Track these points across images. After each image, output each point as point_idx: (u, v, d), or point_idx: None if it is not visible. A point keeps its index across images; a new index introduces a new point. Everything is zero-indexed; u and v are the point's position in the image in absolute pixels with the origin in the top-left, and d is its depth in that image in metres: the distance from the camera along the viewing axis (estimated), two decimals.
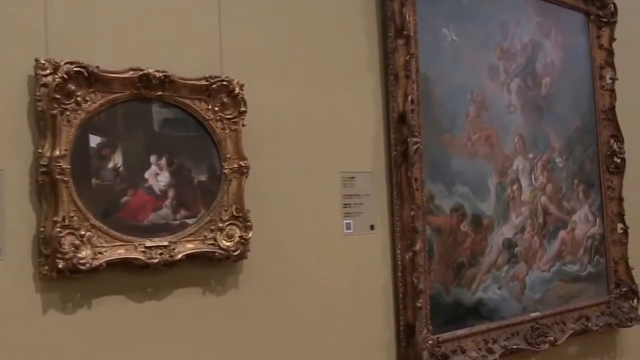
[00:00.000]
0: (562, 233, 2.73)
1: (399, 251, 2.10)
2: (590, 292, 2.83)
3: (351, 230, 2.02)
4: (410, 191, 2.09)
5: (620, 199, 2.98)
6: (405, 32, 2.11)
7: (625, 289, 2.95)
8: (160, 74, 1.60)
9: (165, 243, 1.60)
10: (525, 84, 2.64)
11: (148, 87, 1.59)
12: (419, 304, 2.07)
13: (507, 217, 2.48)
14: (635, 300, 2.95)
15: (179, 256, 1.61)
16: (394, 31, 2.12)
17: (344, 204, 2.01)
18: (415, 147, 2.10)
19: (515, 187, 2.53)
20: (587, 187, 2.88)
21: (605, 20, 3.01)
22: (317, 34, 2.00)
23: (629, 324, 2.88)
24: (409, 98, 2.11)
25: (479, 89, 2.42)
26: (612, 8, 3.01)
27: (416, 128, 2.13)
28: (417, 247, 2.09)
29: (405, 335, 2.08)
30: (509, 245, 2.48)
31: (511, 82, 2.57)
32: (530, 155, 2.62)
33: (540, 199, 2.64)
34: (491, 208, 2.42)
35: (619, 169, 3.00)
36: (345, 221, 2.01)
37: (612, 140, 3.00)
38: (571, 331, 2.61)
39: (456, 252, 2.27)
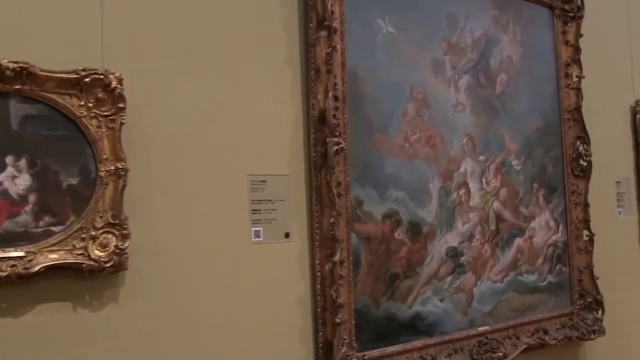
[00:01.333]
0: (518, 241, 2.42)
1: (317, 261, 1.83)
2: (550, 303, 2.52)
3: (261, 239, 1.76)
4: (330, 196, 1.82)
5: (586, 205, 2.66)
6: (326, 22, 1.84)
7: (589, 300, 2.63)
8: (16, 65, 1.36)
9: (21, 254, 1.36)
10: (477, 81, 2.34)
11: (2, 80, 1.35)
12: (338, 320, 1.80)
13: (453, 224, 2.19)
14: (600, 312, 2.63)
15: (37, 268, 1.37)
16: (315, 22, 1.86)
17: (253, 210, 1.75)
18: (336, 148, 1.83)
19: (462, 191, 2.24)
20: (548, 191, 2.57)
21: (572, 14, 2.69)
22: (225, 24, 1.75)
23: (592, 336, 2.56)
24: (330, 95, 1.84)
25: (420, 85, 2.13)
26: (579, 2, 2.70)
27: (339, 127, 1.87)
28: (337, 257, 1.82)
29: (324, 353, 1.82)
30: (454, 254, 2.19)
31: (460, 79, 2.28)
32: (482, 158, 2.32)
33: (492, 204, 2.34)
34: (432, 214, 2.13)
35: (585, 173, 2.68)
36: (253, 229, 1.75)
37: (577, 142, 2.68)
38: (525, 346, 2.31)
39: (389, 263, 1.99)
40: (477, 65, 2.35)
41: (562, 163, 2.64)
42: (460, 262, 2.21)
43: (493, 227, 2.34)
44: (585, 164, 2.69)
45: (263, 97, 1.80)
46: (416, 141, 2.11)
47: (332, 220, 1.82)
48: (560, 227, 2.61)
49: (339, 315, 1.80)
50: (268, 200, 1.78)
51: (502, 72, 2.44)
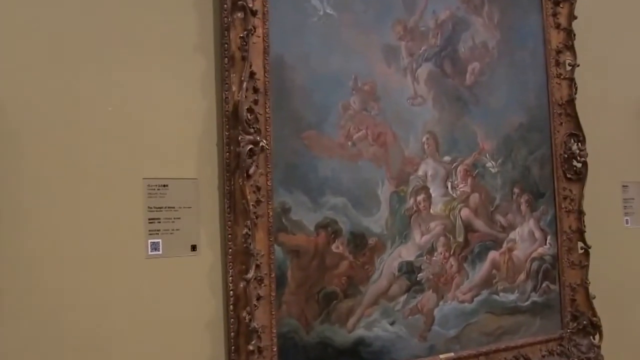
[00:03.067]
0: (493, 254, 2.15)
1: (230, 279, 1.61)
2: (534, 326, 2.23)
3: (159, 252, 1.55)
4: (244, 203, 1.61)
5: (581, 212, 2.37)
6: (241, 2, 1.64)
7: (584, 323, 2.33)
8: None
9: None
10: (442, 71, 2.09)
11: None
12: (252, 347, 1.58)
13: (408, 235, 1.94)
14: (597, 337, 2.33)
15: None
16: (230, 2, 1.65)
17: (150, 219, 1.55)
18: (251, 147, 1.62)
19: (421, 197, 1.99)
20: (533, 197, 2.29)
21: None
22: (124, 3, 1.55)
23: None
24: (245, 86, 1.63)
25: (366, 75, 1.90)
26: None
27: (259, 124, 1.66)
28: (251, 273, 1.60)
29: None
30: (410, 270, 1.94)
31: (419, 68, 2.03)
32: (447, 159, 2.07)
33: (460, 212, 2.08)
34: (381, 224, 1.89)
35: (580, 176, 2.39)
36: (150, 240, 1.54)
37: (571, 140, 2.39)
38: None
39: (323, 280, 1.76)
40: (441, 52, 2.10)
41: (551, 164, 2.35)
42: (418, 279, 1.95)
43: (461, 239, 2.07)
44: (579, 165, 2.39)
45: (169, 88, 1.60)
46: (361, 139, 1.87)
47: (245, 230, 1.60)
48: (549, 238, 2.32)
49: (253, 342, 1.59)
50: (170, 207, 1.58)
51: (474, 60, 2.18)
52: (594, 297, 2.34)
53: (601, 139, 2.52)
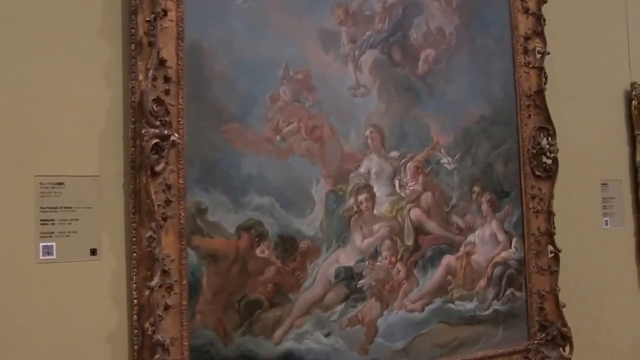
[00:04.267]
0: (448, 259, 2.01)
1: (135, 286, 1.50)
2: (496, 337, 2.09)
3: (53, 257, 1.44)
4: (149, 203, 1.49)
5: (550, 213, 2.22)
6: None
7: (554, 333, 2.18)
8: None
9: None
10: (389, 59, 1.96)
11: None
12: None
13: (347, 239, 1.81)
14: (567, 348, 2.18)
15: None
16: None
17: (42, 220, 1.44)
18: (155, 141, 1.50)
19: (363, 197, 1.86)
20: (496, 196, 2.15)
21: None
22: None
23: None
24: (151, 74, 1.51)
25: (300, 63, 1.78)
26: None
27: (170, 116, 1.54)
28: (156, 280, 1.48)
29: None
30: (349, 276, 1.81)
31: (362, 55, 1.90)
32: (394, 154, 1.93)
33: (409, 213, 1.95)
34: (315, 226, 1.76)
35: (550, 173, 2.24)
36: (42, 244, 1.43)
37: (540, 135, 2.24)
38: None
39: (245, 287, 1.64)
40: (389, 39, 1.96)
41: (517, 161, 2.21)
42: (358, 286, 1.82)
43: (410, 242, 1.94)
44: (549, 161, 2.24)
45: (69, 77, 1.48)
46: (292, 133, 1.75)
47: (149, 233, 1.49)
48: (514, 241, 2.17)
49: (157, 355, 1.47)
50: (66, 207, 1.47)
51: (428, 47, 2.04)
52: (564, 306, 2.19)
53: (576, 133, 2.38)
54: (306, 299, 1.73)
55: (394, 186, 1.93)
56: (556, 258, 2.20)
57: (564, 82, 2.35)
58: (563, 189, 2.29)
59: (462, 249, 2.04)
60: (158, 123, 1.51)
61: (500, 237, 2.14)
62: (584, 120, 2.42)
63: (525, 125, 2.23)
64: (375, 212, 1.88)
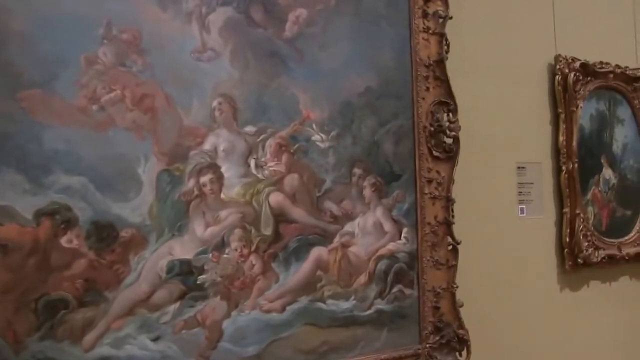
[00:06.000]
0: (317, 251, 1.78)
1: None
2: (378, 341, 1.87)
3: None
4: None
5: (449, 200, 1.99)
6: None
7: (450, 336, 1.96)
8: None
9: None
10: (247, 18, 1.72)
11: None
12: None
13: (184, 227, 1.59)
14: (464, 353, 1.97)
15: None
16: None
17: None
18: None
19: (206, 178, 1.63)
20: (383, 180, 1.92)
21: None
22: None
23: None
24: None
25: (127, 20, 1.54)
26: None
27: None
28: None
29: None
30: (186, 271, 1.58)
31: (211, 13, 1.66)
32: (250, 129, 1.70)
33: (268, 197, 1.72)
34: (142, 212, 1.53)
35: (450, 154, 2.02)
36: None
37: (440, 110, 2.02)
38: None
39: (46, 284, 1.41)
40: None
41: (411, 139, 1.98)
42: (198, 282, 1.60)
43: (268, 232, 1.71)
44: (449, 141, 2.02)
45: None
46: (114, 102, 1.51)
47: None
48: (405, 231, 1.95)
49: None
50: None
51: (299, 6, 1.80)
52: (462, 305, 1.98)
53: (486, 109, 2.16)
54: (128, 298, 1.50)
55: (249, 166, 1.70)
56: (454, 251, 1.98)
57: (471, 51, 2.12)
58: (469, 172, 2.07)
59: (336, 239, 1.82)
60: None
61: (387, 226, 1.92)
62: (497, 95, 2.20)
63: (423, 99, 2.00)
64: (222, 196, 1.65)
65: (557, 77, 2.34)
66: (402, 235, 1.94)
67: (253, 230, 1.69)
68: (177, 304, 1.57)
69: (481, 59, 2.16)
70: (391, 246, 1.92)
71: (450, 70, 2.01)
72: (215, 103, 1.65)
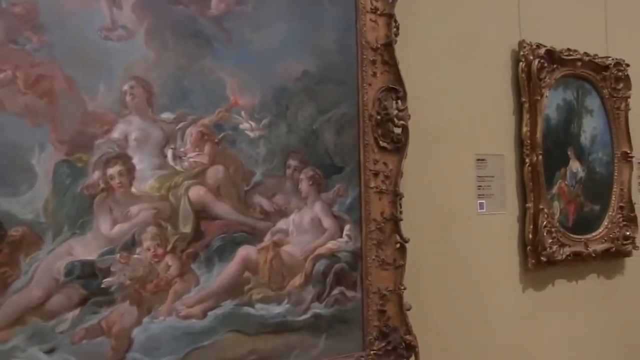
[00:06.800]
0: (245, 250, 1.62)
1: None
2: (316, 349, 1.71)
3: None
4: None
5: (397, 194, 1.83)
6: None
7: (397, 342, 1.81)
8: None
9: None
10: None
11: None
12: None
13: (87, 224, 1.42)
14: None
15: None
16: None
17: None
18: None
19: (114, 170, 1.46)
20: (323, 173, 1.76)
21: None
22: None
23: None
24: None
25: None
26: None
27: None
28: None
29: None
30: (88, 273, 1.41)
31: None
32: (167, 116, 1.54)
33: (188, 191, 1.56)
34: (36, 207, 1.36)
35: (398, 145, 1.86)
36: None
37: (388, 97, 1.85)
38: None
39: None
40: None
41: (356, 129, 1.82)
42: (103, 286, 1.43)
43: (187, 229, 1.54)
44: (399, 131, 1.86)
45: None
46: (3, 84, 1.34)
47: None
48: (348, 228, 1.79)
49: None
50: None
51: None
52: (410, 308, 1.82)
53: (442, 97, 2.00)
54: (16, 304, 1.34)
55: (166, 157, 1.53)
56: (402, 249, 1.83)
57: (424, 34, 1.97)
58: (422, 165, 1.93)
59: (267, 237, 1.66)
60: None
61: (327, 223, 1.76)
62: (454, 82, 2.04)
63: (369, 85, 1.84)
64: (133, 190, 1.48)
65: (520, 64, 2.18)
66: (344, 232, 1.79)
67: (169, 228, 1.52)
68: (77, 311, 1.40)
69: (436, 43, 2.01)
70: (331, 245, 1.76)
71: (401, 54, 1.85)
72: (126, 87, 1.48)
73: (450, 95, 2.02)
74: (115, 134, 1.47)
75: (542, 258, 2.17)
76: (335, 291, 1.76)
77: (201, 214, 1.56)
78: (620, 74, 2.46)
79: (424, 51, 1.96)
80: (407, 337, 1.82)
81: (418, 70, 1.91)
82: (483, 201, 2.10)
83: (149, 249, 1.49)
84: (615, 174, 2.46)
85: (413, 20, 1.90)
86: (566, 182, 2.31)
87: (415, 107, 1.86)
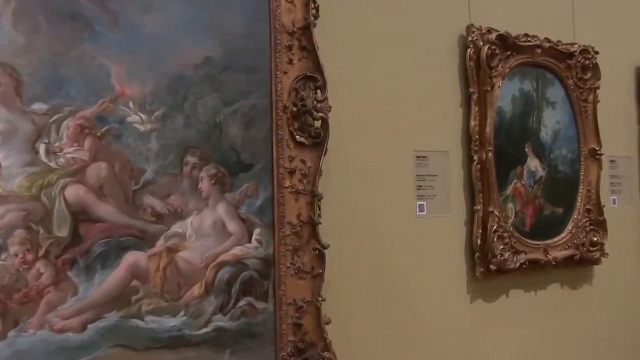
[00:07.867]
0: (132, 257, 1.51)
1: None
2: None
3: None
4: None
5: (315, 195, 1.72)
6: None
7: (314, 358, 1.69)
8: None
9: None
10: None
11: None
12: None
13: None
14: None
15: None
16: None
17: None
18: None
19: None
20: (227, 170, 1.65)
21: None
22: None
23: None
24: None
25: None
26: None
27: None
28: None
29: None
30: None
31: None
32: (39, 107, 1.44)
33: (64, 191, 1.45)
34: None
35: (317, 140, 1.74)
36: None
37: (307, 87, 1.74)
38: None
39: None
40: None
41: (268, 122, 1.71)
42: None
43: (63, 233, 1.44)
44: (318, 124, 1.75)
45: None
46: None
47: None
48: (258, 232, 1.68)
49: None
50: None
51: None
52: (329, 322, 1.70)
53: (372, 87, 1.88)
54: None
55: (37, 153, 1.43)
56: (321, 256, 1.71)
57: (351, 16, 1.85)
58: (348, 162, 1.81)
59: (160, 242, 1.55)
60: None
61: (232, 226, 1.65)
62: (389, 71, 1.92)
63: (284, 73, 1.73)
64: None
65: (468, 50, 2.06)
66: (254, 237, 1.67)
67: (42, 231, 1.42)
68: None
69: (365, 26, 1.88)
70: (237, 250, 1.65)
71: (322, 39, 1.74)
72: None
73: (382, 85, 1.90)
74: None
75: (491, 266, 2.03)
76: (242, 302, 1.65)
77: (80, 216, 1.46)
78: (587, 62, 2.31)
79: (350, 35, 1.84)
80: (326, 354, 1.69)
81: (342, 57, 1.80)
82: (423, 203, 1.97)
83: (16, 255, 1.39)
84: (582, 173, 2.31)
85: (336, 1, 1.79)
86: (523, 182, 2.17)
87: (339, 98, 1.75)
